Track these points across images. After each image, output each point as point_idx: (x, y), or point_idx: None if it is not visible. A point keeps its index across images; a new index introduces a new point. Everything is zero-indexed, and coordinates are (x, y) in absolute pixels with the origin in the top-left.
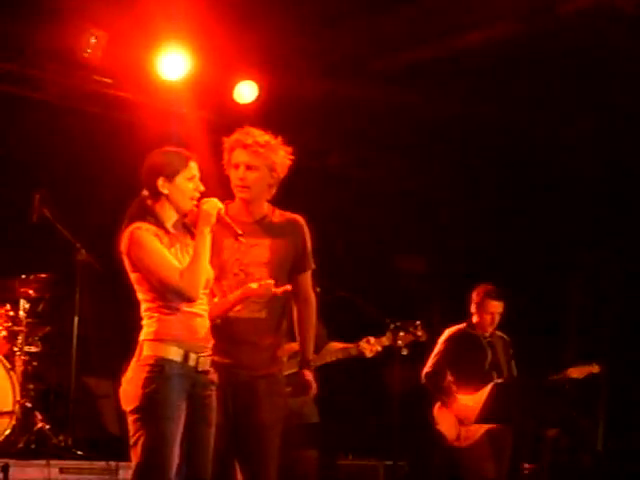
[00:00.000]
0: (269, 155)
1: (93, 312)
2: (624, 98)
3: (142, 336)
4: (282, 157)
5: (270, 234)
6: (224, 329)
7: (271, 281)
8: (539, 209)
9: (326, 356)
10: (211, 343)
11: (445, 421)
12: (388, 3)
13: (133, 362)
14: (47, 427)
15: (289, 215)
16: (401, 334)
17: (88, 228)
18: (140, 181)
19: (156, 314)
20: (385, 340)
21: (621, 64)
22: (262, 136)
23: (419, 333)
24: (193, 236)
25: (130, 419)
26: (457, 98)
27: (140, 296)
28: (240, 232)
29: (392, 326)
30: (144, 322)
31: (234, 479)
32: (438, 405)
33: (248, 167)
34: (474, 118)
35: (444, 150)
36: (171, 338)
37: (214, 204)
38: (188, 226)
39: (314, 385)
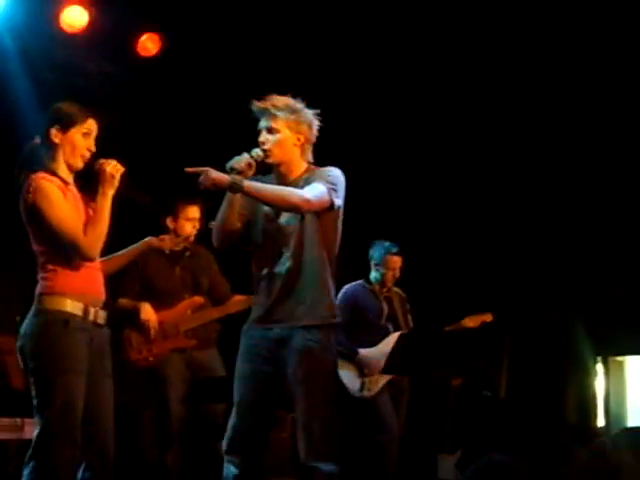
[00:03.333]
0: (290, 117)
1: (6, 267)
2: None
3: (40, 289)
4: (306, 118)
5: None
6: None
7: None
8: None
9: (229, 308)
10: (104, 297)
11: (348, 373)
12: None
13: (32, 317)
14: None
15: (324, 170)
16: None
17: None
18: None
19: (55, 267)
20: None
21: None
22: (283, 100)
23: None
24: (85, 196)
25: (34, 376)
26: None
27: (37, 248)
28: (147, 196)
29: None
30: (41, 275)
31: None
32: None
33: (269, 130)
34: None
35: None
36: (71, 291)
37: (117, 167)
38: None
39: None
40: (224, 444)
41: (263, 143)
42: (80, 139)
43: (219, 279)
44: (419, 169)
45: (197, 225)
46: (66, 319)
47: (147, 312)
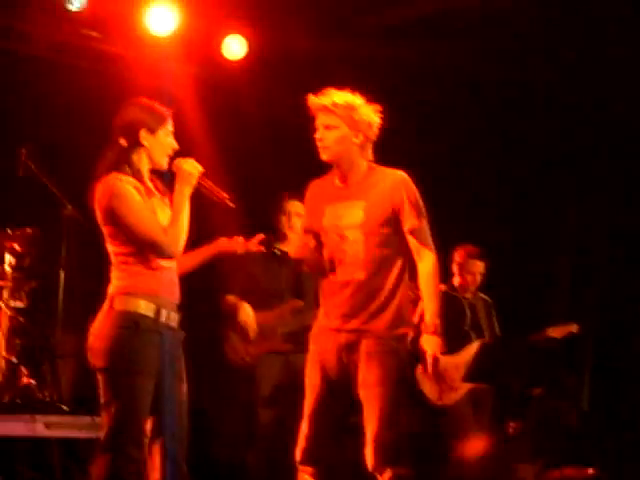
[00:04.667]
0: (349, 114)
1: (79, 267)
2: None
3: (112, 289)
4: (366, 115)
5: (365, 195)
6: None
7: (240, 238)
8: (523, 168)
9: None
10: (178, 299)
11: (427, 381)
12: None
13: (102, 316)
14: (33, 382)
15: (388, 172)
16: None
17: (75, 183)
18: (116, 130)
19: (130, 268)
20: None
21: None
22: (341, 96)
23: None
24: (164, 191)
25: (102, 376)
26: (448, 54)
27: (112, 249)
28: (227, 196)
29: None
30: (115, 275)
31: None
32: (420, 366)
33: (326, 127)
34: (465, 74)
35: (435, 106)
36: (144, 292)
37: (195, 165)
38: (161, 180)
39: (430, 353)
40: (297, 454)
41: (320, 140)
42: (166, 139)
43: None
44: (505, 175)
45: (295, 221)
46: (137, 321)
47: (245, 313)
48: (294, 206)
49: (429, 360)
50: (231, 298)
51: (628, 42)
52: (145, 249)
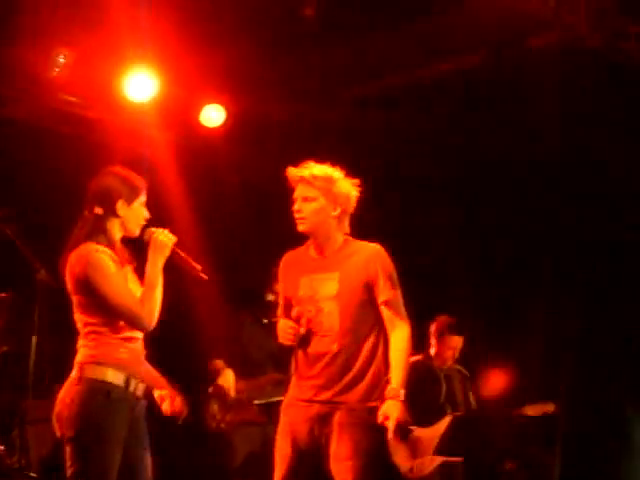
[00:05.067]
0: (328, 186)
1: (51, 332)
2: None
3: (81, 358)
4: (344, 188)
5: (340, 267)
6: None
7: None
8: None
9: None
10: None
11: (400, 453)
12: (358, 30)
13: (71, 385)
14: (1, 448)
15: (364, 245)
16: None
17: (50, 249)
18: (92, 198)
19: (99, 337)
20: None
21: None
22: (320, 168)
23: None
24: (131, 259)
25: (71, 445)
26: (424, 126)
27: (81, 318)
28: (199, 267)
29: None
30: (83, 343)
31: None
32: (393, 437)
33: (304, 199)
34: (442, 147)
35: (412, 173)
36: (114, 362)
37: (168, 236)
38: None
39: (393, 417)
40: None
41: (299, 211)
42: (141, 209)
43: None
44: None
45: None
46: (108, 390)
47: (226, 379)
48: None
49: (392, 424)
50: (218, 363)
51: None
52: (120, 320)
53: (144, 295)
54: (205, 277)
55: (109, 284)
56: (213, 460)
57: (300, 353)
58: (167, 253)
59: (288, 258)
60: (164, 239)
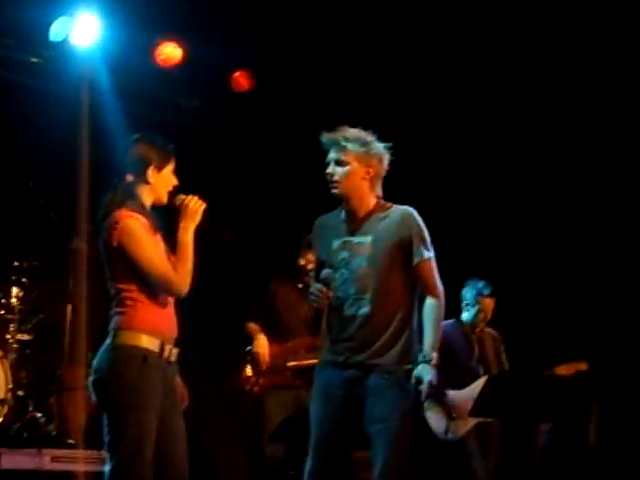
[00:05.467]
0: (360, 149)
1: (86, 300)
2: None
3: (116, 324)
4: (377, 151)
5: (373, 229)
6: None
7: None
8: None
9: None
10: (176, 334)
11: (434, 415)
12: None
13: (106, 352)
14: (39, 415)
15: (397, 208)
16: None
17: (82, 216)
18: (124, 164)
19: (134, 303)
20: None
21: None
22: (353, 132)
23: None
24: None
25: (109, 411)
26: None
27: (115, 285)
28: (229, 234)
29: None
30: (118, 309)
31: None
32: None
33: (337, 162)
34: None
35: (445, 139)
36: (149, 328)
37: (199, 203)
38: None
39: (426, 380)
40: None
41: (331, 175)
42: (171, 176)
43: None
44: (515, 210)
45: None
46: (144, 355)
47: (259, 345)
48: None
49: (424, 388)
50: (253, 326)
51: None
52: (156, 286)
53: (177, 261)
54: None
55: (143, 250)
56: (247, 423)
57: (333, 316)
58: (198, 219)
59: (321, 222)
60: (194, 206)
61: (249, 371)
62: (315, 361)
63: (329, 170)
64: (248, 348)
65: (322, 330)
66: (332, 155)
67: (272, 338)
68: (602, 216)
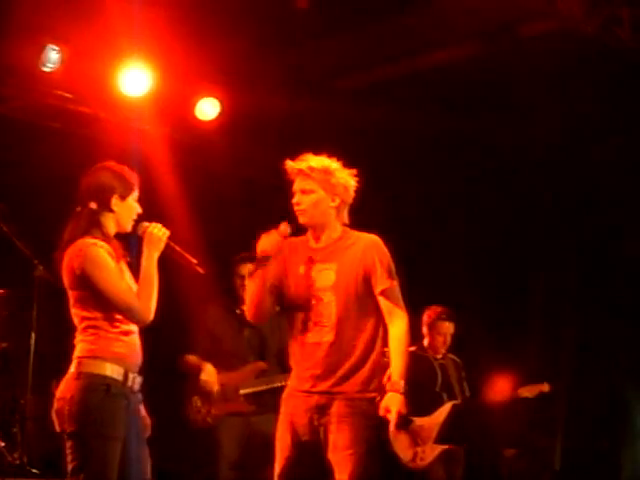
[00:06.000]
0: (326, 178)
1: (49, 329)
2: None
3: (80, 353)
4: (342, 179)
5: (338, 257)
6: None
7: None
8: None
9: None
10: (141, 363)
11: (400, 442)
12: (352, 22)
13: (70, 380)
14: (2, 445)
15: (362, 236)
16: None
17: (46, 244)
18: (86, 193)
19: (98, 331)
20: None
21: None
22: (318, 160)
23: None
24: (124, 254)
25: (72, 441)
26: (423, 115)
27: (79, 313)
28: (195, 261)
29: None
30: (82, 338)
31: None
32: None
33: (303, 191)
34: (440, 134)
35: (409, 166)
36: (113, 356)
37: (163, 230)
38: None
39: (394, 410)
40: None
41: (298, 204)
42: (134, 205)
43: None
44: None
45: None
46: (107, 384)
47: (208, 373)
48: (244, 269)
49: (393, 417)
50: (192, 358)
51: None
52: (118, 314)
53: (141, 289)
54: (202, 270)
55: (107, 278)
56: (202, 456)
57: (296, 344)
58: (162, 247)
59: (288, 245)
60: (158, 233)
61: (198, 403)
62: (267, 386)
63: (295, 199)
64: (195, 379)
65: (290, 356)
66: (298, 184)
67: (217, 367)
68: (557, 242)
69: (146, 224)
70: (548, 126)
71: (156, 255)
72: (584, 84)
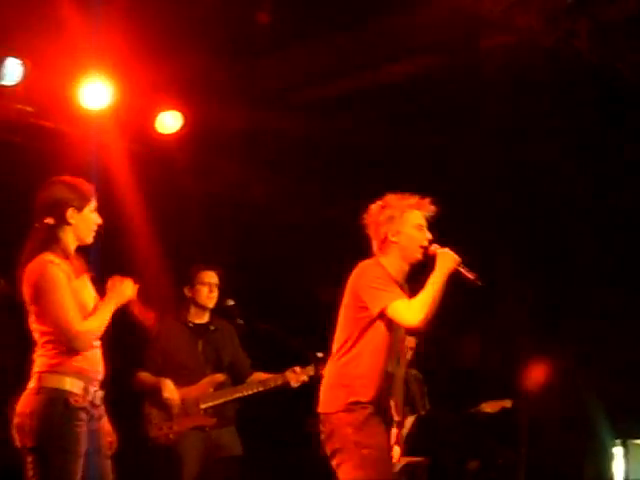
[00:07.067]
0: None
1: (9, 344)
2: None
3: (39, 368)
4: None
5: None
6: None
7: None
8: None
9: (252, 386)
10: (102, 377)
11: None
12: (310, 35)
13: (30, 395)
14: None
15: None
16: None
17: (6, 260)
18: (42, 208)
19: (57, 346)
20: (311, 370)
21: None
22: None
23: None
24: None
25: (32, 456)
26: (379, 129)
27: (39, 328)
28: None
29: (317, 356)
30: (41, 353)
31: None
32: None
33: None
34: (397, 148)
35: (366, 180)
36: (72, 370)
37: (130, 287)
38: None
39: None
40: None
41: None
42: (91, 215)
43: (240, 355)
44: None
45: (215, 291)
46: (66, 398)
47: (169, 390)
48: (211, 277)
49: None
50: (146, 375)
51: None
52: (57, 335)
53: (92, 316)
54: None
55: (53, 299)
56: (164, 472)
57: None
58: (123, 302)
59: None
60: (123, 289)
61: (159, 420)
62: (227, 398)
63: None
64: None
65: None
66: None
67: (173, 381)
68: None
69: (116, 278)
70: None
71: (115, 305)
72: (543, 96)
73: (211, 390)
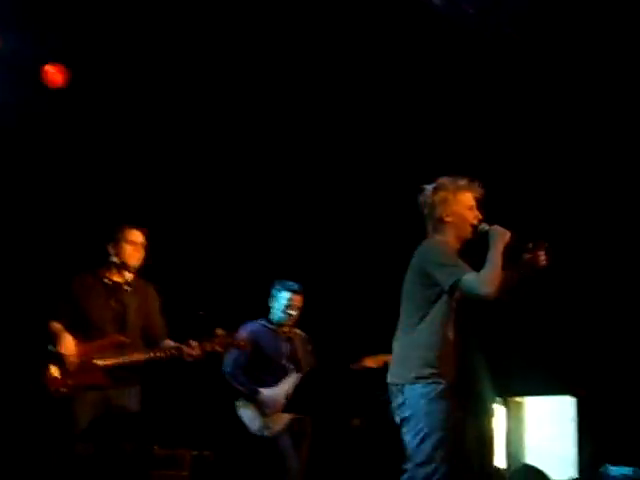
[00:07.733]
0: None
1: None
2: None
3: None
4: None
5: None
6: None
7: None
8: None
9: (146, 352)
10: None
11: (248, 413)
12: None
13: None
14: None
15: None
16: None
17: None
18: None
19: None
20: (208, 346)
21: None
22: None
23: (242, 343)
24: None
25: None
26: None
27: None
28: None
29: (217, 332)
30: None
31: None
32: (240, 398)
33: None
34: None
35: None
36: None
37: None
38: None
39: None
40: None
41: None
42: None
43: (156, 319)
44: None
45: (141, 252)
46: None
47: (65, 345)
48: (136, 236)
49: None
50: (56, 325)
51: None
52: None
53: None
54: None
55: None
56: (55, 426)
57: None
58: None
59: None
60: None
61: (55, 371)
62: (119, 360)
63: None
64: (50, 347)
65: None
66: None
67: (79, 336)
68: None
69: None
70: None
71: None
72: None
73: (111, 350)
